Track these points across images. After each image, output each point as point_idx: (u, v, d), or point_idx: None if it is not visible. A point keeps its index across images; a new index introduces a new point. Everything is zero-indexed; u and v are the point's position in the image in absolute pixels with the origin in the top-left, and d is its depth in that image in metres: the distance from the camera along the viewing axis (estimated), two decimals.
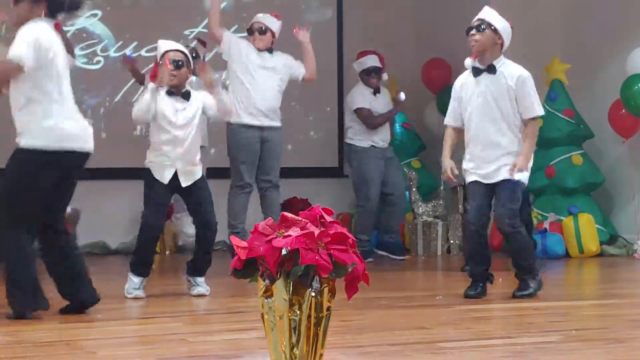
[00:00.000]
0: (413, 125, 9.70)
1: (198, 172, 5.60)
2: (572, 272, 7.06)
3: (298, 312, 3.01)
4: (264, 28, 7.09)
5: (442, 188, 9.41)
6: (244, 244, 3.04)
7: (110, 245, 9.06)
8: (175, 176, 5.54)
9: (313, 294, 3.01)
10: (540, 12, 8.87)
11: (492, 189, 5.50)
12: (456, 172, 5.58)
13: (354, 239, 3.09)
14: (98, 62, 9.34)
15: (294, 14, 10.00)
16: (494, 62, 5.45)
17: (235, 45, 7.10)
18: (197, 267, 5.69)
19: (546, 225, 8.22)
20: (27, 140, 4.60)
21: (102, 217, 8.94)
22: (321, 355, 3.09)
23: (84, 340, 4.00)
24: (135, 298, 5.44)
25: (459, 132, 5.64)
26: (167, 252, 9.06)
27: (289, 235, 2.98)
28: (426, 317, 4.67)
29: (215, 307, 5.20)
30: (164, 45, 5.63)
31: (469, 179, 5.56)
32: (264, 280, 3.06)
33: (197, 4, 9.64)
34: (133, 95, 9.29)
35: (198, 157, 5.67)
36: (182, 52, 5.56)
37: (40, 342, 3.93)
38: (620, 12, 8.65)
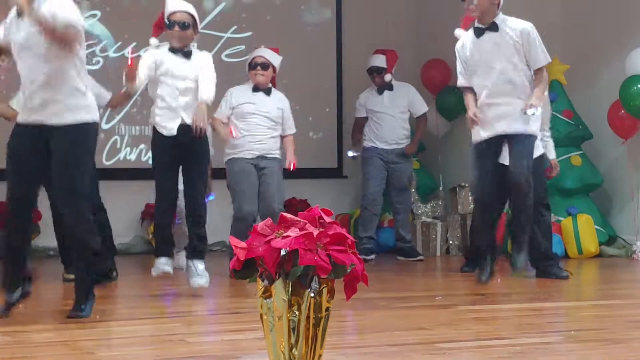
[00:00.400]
0: (412, 126, 9.70)
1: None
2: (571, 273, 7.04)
3: (297, 312, 3.00)
4: (266, 63, 6.82)
5: (440, 189, 9.42)
6: (243, 244, 3.04)
7: None
8: (179, 133, 5.53)
9: (312, 295, 3.01)
10: (539, 13, 8.86)
11: (500, 148, 5.58)
12: (480, 115, 5.64)
13: (353, 239, 3.09)
14: (97, 62, 9.35)
15: (294, 14, 10.02)
16: (495, 20, 5.54)
17: (234, 101, 6.86)
18: (191, 247, 5.69)
19: None
20: (90, 114, 4.57)
21: None
22: (320, 355, 3.09)
23: (83, 340, 4.00)
24: (164, 274, 5.54)
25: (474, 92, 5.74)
26: None
27: (288, 236, 2.97)
28: (425, 318, 4.66)
29: (214, 307, 5.20)
30: (171, 4, 5.69)
31: (481, 136, 5.59)
32: (263, 281, 3.06)
33: (196, 4, 9.63)
34: (132, 95, 9.29)
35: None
36: (189, 13, 5.63)
37: (39, 342, 3.93)
38: (619, 13, 8.65)
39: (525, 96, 5.64)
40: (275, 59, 6.91)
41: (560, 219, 8.39)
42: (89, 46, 9.32)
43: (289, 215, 3.08)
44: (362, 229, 8.34)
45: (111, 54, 9.37)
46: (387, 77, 8.46)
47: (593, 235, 8.27)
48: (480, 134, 5.67)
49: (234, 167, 6.84)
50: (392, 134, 8.41)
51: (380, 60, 8.47)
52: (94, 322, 4.57)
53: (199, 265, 5.63)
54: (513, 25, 5.57)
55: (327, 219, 3.08)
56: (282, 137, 7.00)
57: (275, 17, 9.84)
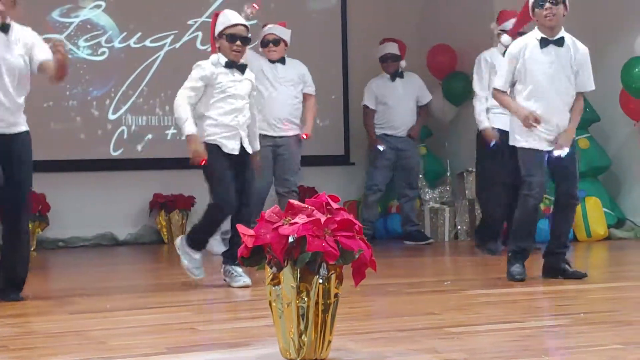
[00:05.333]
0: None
1: (256, 145, 5.67)
2: (580, 256, 7.05)
3: (306, 299, 3.01)
4: (277, 39, 7.15)
5: (448, 174, 9.41)
6: (251, 231, 3.04)
7: (118, 237, 9.08)
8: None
9: (320, 281, 3.01)
10: None
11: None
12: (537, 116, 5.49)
13: (361, 225, 3.09)
14: (102, 53, 9.33)
15: (299, 1, 9.99)
16: (561, 34, 5.55)
17: (254, 66, 6.91)
18: (235, 254, 5.61)
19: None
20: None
21: (110, 208, 8.96)
22: (329, 341, 3.10)
23: (94, 330, 4.01)
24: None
25: None
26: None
27: (296, 223, 2.98)
28: (434, 303, 4.67)
29: (224, 295, 5.21)
30: (233, 17, 5.57)
31: (531, 145, 5.52)
32: (272, 268, 3.07)
33: None
34: (138, 86, 9.30)
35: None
36: (248, 27, 5.58)
37: (50, 332, 3.95)
38: None
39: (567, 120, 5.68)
40: (285, 34, 7.23)
41: None
42: (94, 37, 9.34)
43: (296, 202, 3.08)
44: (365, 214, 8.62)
45: (116, 44, 9.36)
46: (403, 63, 8.68)
47: (602, 218, 8.26)
48: (533, 142, 5.53)
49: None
50: (403, 121, 8.63)
51: (394, 48, 8.67)
52: (105, 311, 4.59)
53: (239, 268, 5.53)
54: (575, 44, 5.60)
55: (335, 206, 3.08)
56: (304, 98, 7.33)
57: (280, 4, 9.82)
